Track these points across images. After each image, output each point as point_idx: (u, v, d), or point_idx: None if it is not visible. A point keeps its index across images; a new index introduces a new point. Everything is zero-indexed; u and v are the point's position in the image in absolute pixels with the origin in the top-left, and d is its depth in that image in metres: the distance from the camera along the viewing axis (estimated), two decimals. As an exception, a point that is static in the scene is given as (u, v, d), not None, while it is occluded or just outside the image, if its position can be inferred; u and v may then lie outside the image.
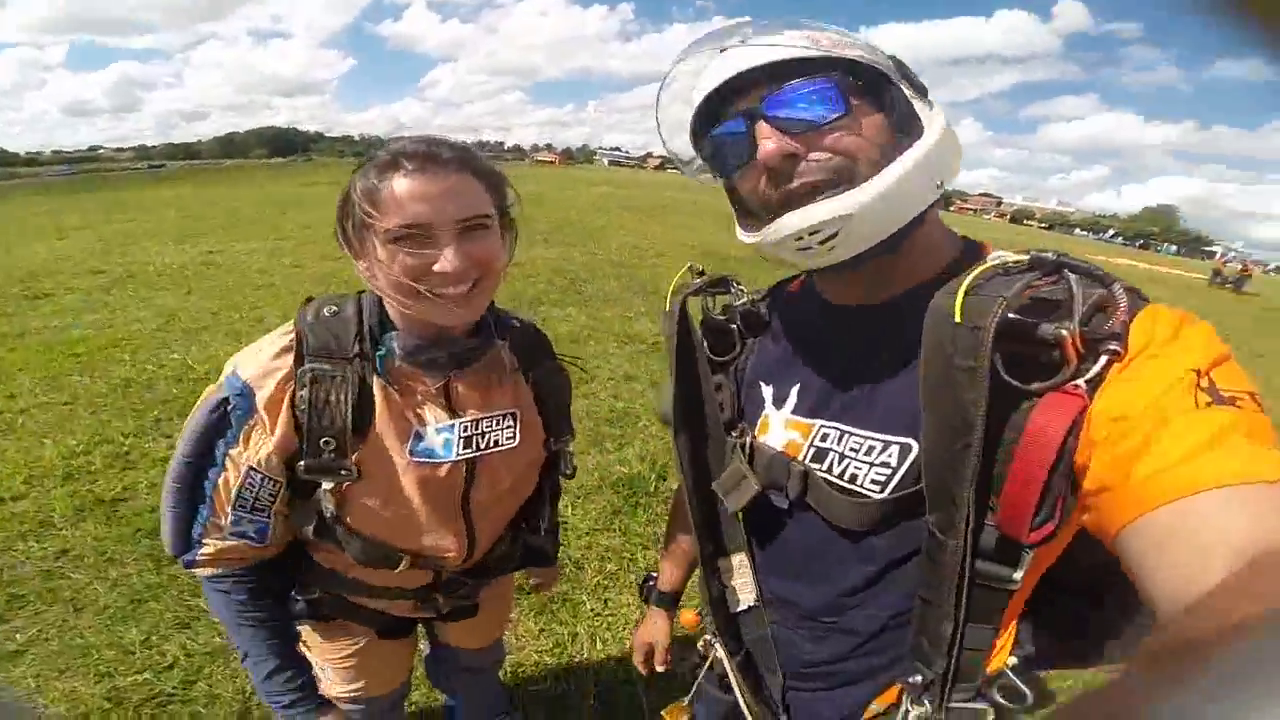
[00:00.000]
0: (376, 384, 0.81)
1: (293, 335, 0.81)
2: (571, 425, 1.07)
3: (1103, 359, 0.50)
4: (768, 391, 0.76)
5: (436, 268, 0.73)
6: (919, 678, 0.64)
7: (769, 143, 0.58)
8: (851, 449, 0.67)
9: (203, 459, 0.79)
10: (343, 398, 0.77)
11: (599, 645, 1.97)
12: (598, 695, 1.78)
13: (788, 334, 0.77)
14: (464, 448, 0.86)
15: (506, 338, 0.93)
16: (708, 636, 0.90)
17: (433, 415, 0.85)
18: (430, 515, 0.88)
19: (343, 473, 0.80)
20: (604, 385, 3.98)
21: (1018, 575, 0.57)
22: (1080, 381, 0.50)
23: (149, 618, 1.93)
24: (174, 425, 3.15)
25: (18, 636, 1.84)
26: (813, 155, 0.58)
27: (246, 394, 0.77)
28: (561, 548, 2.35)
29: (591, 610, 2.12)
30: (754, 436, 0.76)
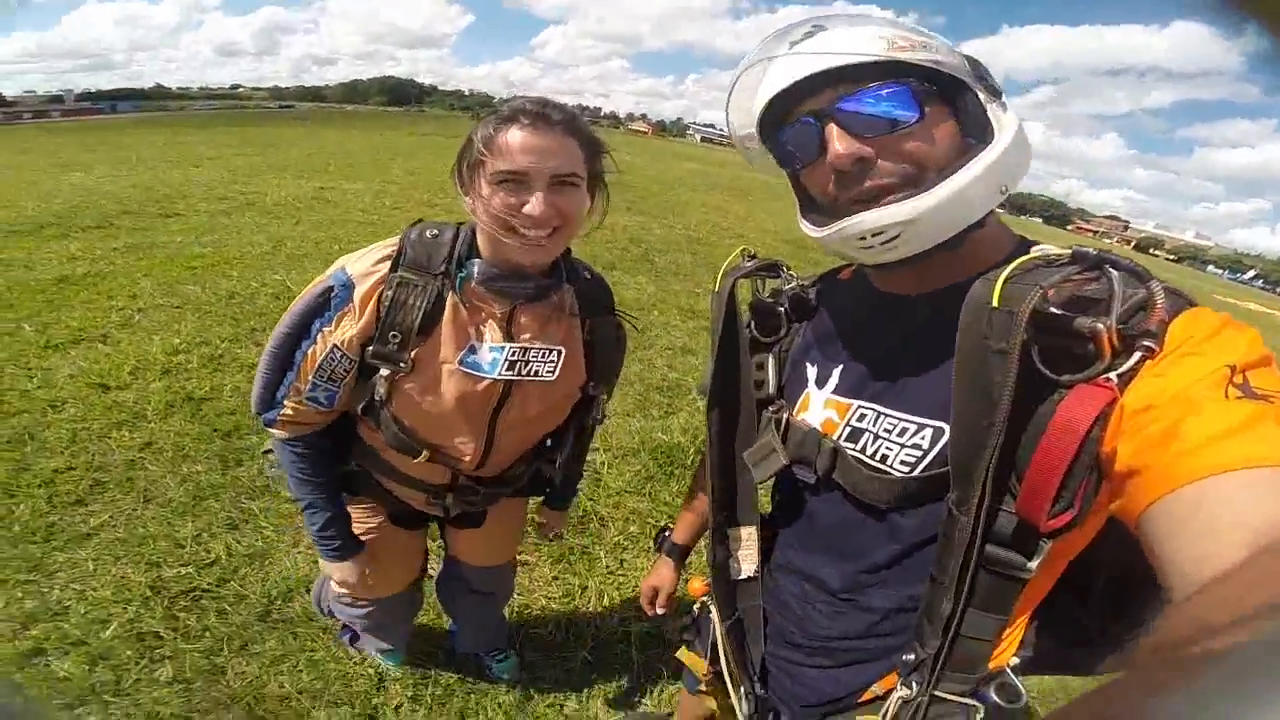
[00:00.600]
0: (450, 299, 0.93)
1: (395, 247, 0.95)
2: (612, 378, 1.14)
3: (1137, 354, 0.49)
4: (811, 371, 0.78)
5: (525, 209, 0.84)
6: (911, 656, 0.65)
7: (839, 145, 0.59)
8: (885, 430, 0.68)
9: (301, 332, 0.95)
10: (418, 303, 0.91)
11: (605, 601, 2.00)
12: (593, 649, 1.82)
13: (836, 318, 0.79)
14: (507, 370, 0.97)
15: (575, 285, 1.03)
16: (704, 599, 0.98)
17: (491, 336, 0.96)
18: (460, 419, 0.99)
19: (400, 364, 0.93)
20: (660, 354, 3.98)
21: (1032, 565, 0.57)
22: (1112, 375, 0.50)
23: (205, 515, 2.10)
24: (266, 335, 3.40)
25: (91, 520, 2.02)
26: (883, 160, 0.59)
27: (349, 286, 0.92)
28: (590, 503, 2.43)
29: (606, 567, 2.15)
30: (791, 414, 0.79)
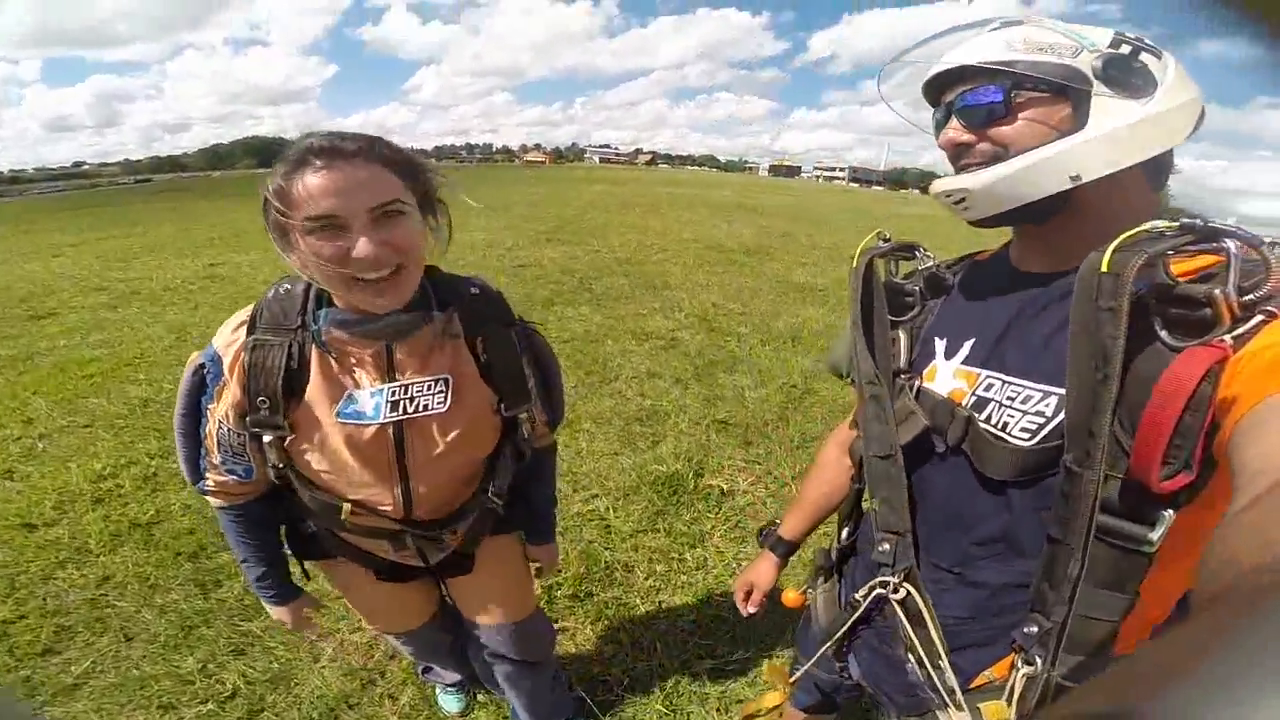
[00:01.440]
0: (315, 353, 0.90)
1: (250, 311, 0.92)
2: (529, 393, 1.05)
3: (1257, 318, 0.51)
4: (940, 345, 0.81)
5: (354, 254, 0.78)
6: (1034, 628, 0.64)
7: (949, 133, 0.72)
8: (1009, 397, 0.70)
9: (193, 412, 0.96)
10: (277, 364, 0.87)
11: (659, 649, 1.92)
12: (664, 699, 1.74)
13: (969, 294, 0.83)
14: (391, 411, 0.91)
15: (454, 304, 0.97)
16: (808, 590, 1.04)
17: (368, 380, 0.92)
18: (363, 472, 0.95)
19: (277, 428, 0.90)
20: (628, 384, 3.92)
21: (1154, 536, 0.56)
22: (1227, 337, 0.51)
23: (203, 645, 1.88)
24: (199, 443, 3.10)
25: (72, 669, 1.78)
26: (980, 145, 0.70)
27: (217, 360, 0.91)
28: (608, 553, 2.33)
29: (646, 613, 2.08)
30: (921, 382, 0.81)
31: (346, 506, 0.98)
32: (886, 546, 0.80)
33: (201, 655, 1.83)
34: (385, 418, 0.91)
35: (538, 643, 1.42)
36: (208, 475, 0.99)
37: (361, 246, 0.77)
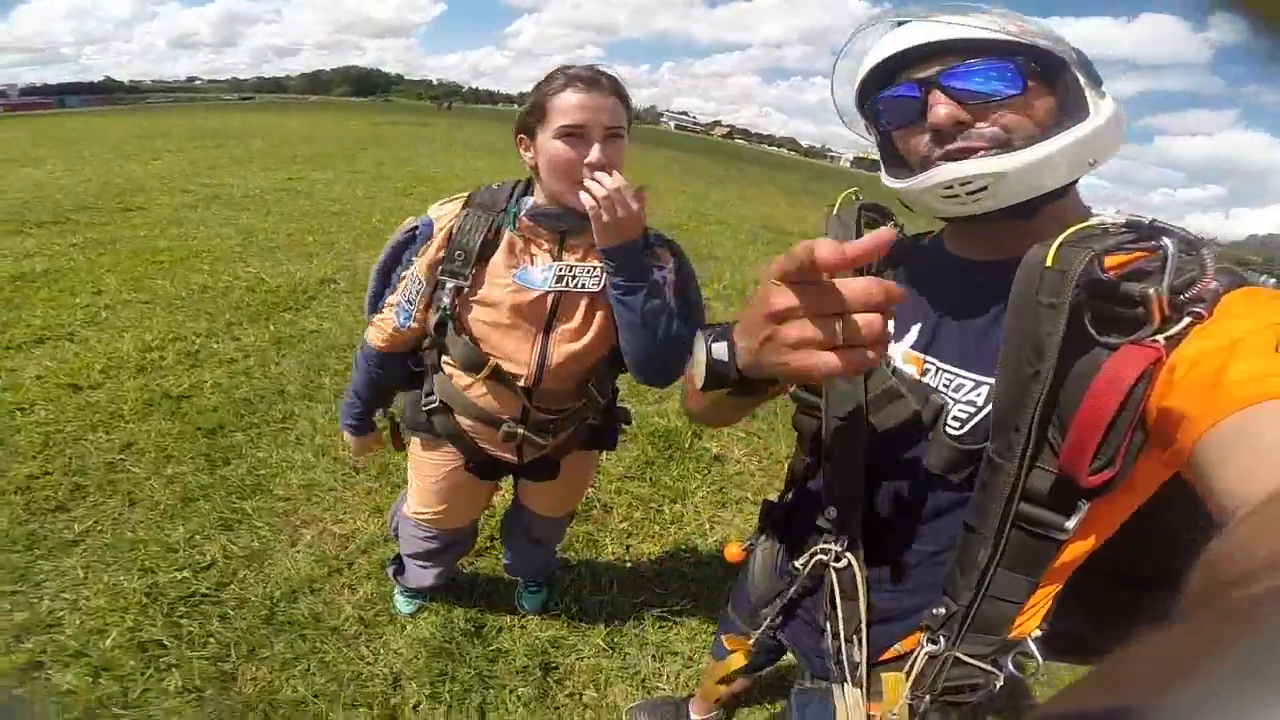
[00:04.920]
0: (507, 232, 1.12)
1: (466, 195, 1.17)
2: (680, 303, 1.18)
3: (1186, 319, 0.51)
4: (890, 324, 0.76)
5: (587, 159, 1.00)
6: (941, 610, 0.67)
7: (941, 109, 0.63)
8: (945, 384, 0.70)
9: (394, 261, 1.22)
10: (478, 232, 1.11)
11: (615, 588, 1.97)
12: (606, 635, 1.80)
13: (914, 277, 0.80)
14: (555, 283, 1.11)
15: None
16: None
17: (542, 259, 1.12)
18: (516, 328, 1.14)
19: (462, 277, 1.11)
20: (650, 342, 3.94)
21: (1069, 524, 0.58)
22: (1159, 338, 0.52)
23: (196, 517, 2.01)
24: (244, 330, 3.34)
25: (75, 526, 1.92)
26: (980, 125, 0.63)
27: (430, 224, 1.15)
28: (593, 490, 2.39)
29: (613, 554, 2.13)
30: (893, 361, 0.77)
31: (490, 363, 1.16)
32: (834, 512, 0.78)
33: (192, 526, 1.97)
34: (550, 287, 1.11)
35: (563, 529, 1.74)
36: (383, 309, 1.24)
37: (595, 153, 1.00)
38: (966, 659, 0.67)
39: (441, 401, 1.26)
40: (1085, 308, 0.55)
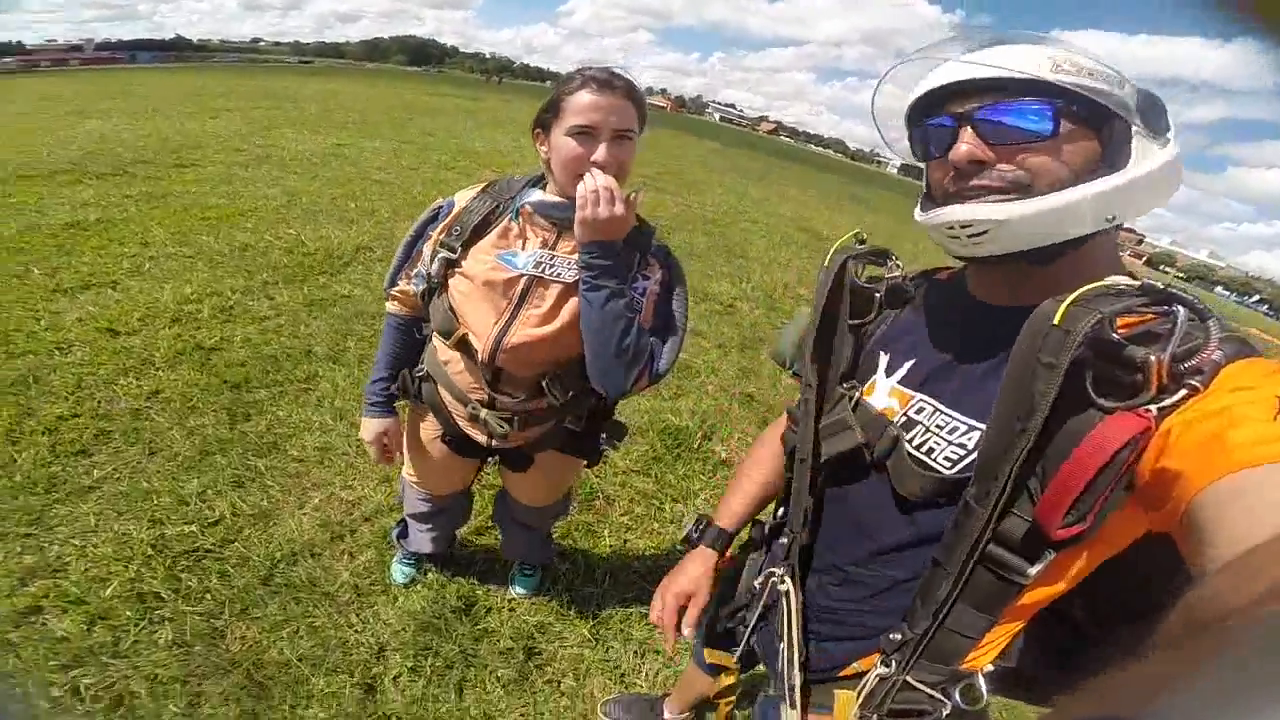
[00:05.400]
0: (507, 217, 1.18)
1: (487, 182, 1.26)
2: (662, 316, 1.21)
3: (1182, 391, 0.52)
4: (883, 359, 0.81)
5: (594, 157, 1.04)
6: (898, 635, 0.70)
7: (963, 146, 0.64)
8: (938, 425, 0.71)
9: (420, 235, 1.27)
10: (480, 211, 1.18)
11: (608, 580, 1.99)
12: (592, 626, 1.82)
13: (921, 314, 0.82)
14: (533, 268, 1.15)
15: None
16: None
17: (533, 245, 1.16)
18: (485, 301, 1.17)
19: (453, 250, 1.18)
20: (671, 336, 3.92)
21: (1031, 571, 0.60)
22: (1153, 407, 0.52)
23: (211, 471, 2.06)
24: (278, 289, 3.44)
25: (94, 472, 1.97)
26: (1003, 165, 0.63)
27: (451, 204, 1.23)
28: (598, 480, 2.40)
29: (610, 546, 2.14)
30: (861, 395, 0.81)
31: (459, 332, 1.20)
32: (784, 541, 0.84)
33: (206, 481, 2.01)
34: (527, 270, 1.15)
35: (555, 513, 1.76)
36: (400, 281, 1.31)
37: (601, 152, 1.04)
38: (915, 684, 0.69)
39: (427, 371, 1.33)
40: (1088, 366, 0.55)
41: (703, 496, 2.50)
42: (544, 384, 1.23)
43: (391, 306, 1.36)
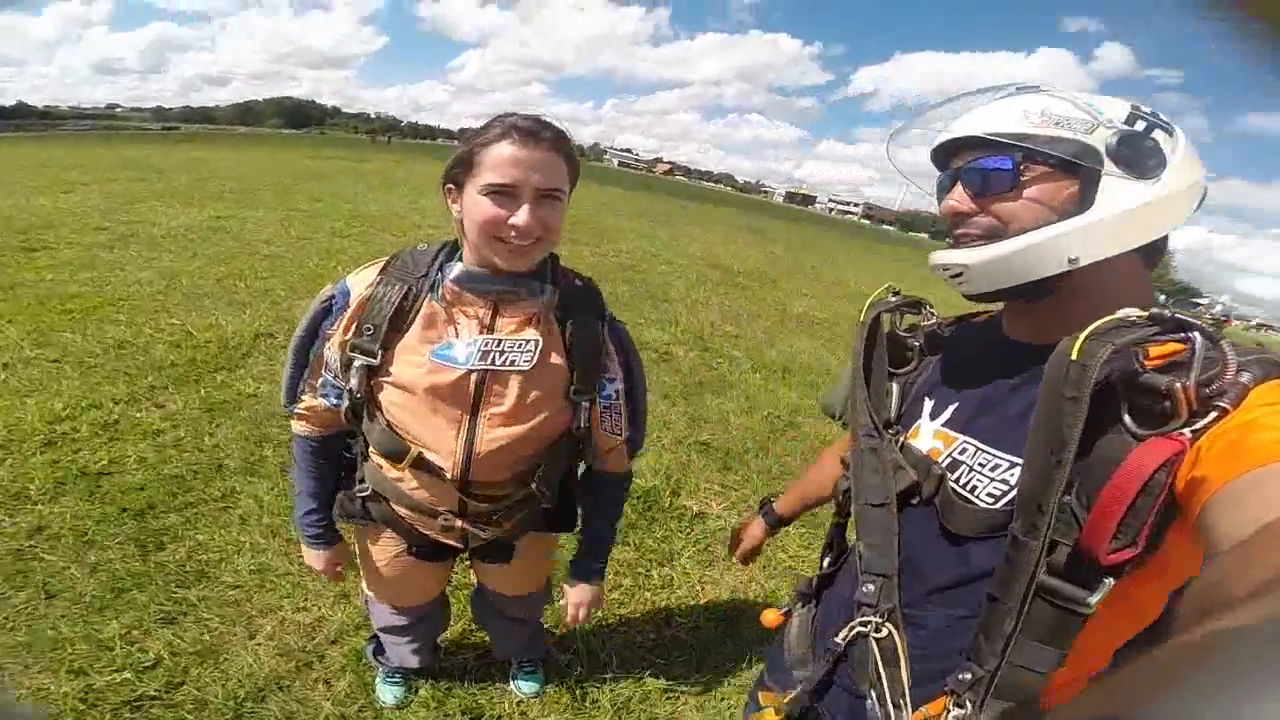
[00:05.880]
0: (427, 300, 1.00)
1: (385, 260, 1.05)
2: (626, 387, 1.15)
3: (1212, 414, 0.54)
4: (928, 405, 0.85)
5: (512, 220, 0.90)
6: (968, 675, 0.69)
7: (950, 200, 0.73)
8: (980, 464, 0.74)
9: (311, 336, 1.07)
10: (391, 299, 0.99)
11: (614, 663, 1.85)
12: (615, 715, 1.68)
13: (959, 355, 0.86)
14: (480, 359, 0.99)
15: (559, 288, 1.05)
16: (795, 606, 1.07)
17: (468, 332, 1.01)
18: (435, 413, 1.02)
19: (371, 354, 0.99)
20: (616, 390, 3.85)
21: (1092, 600, 0.60)
22: (1186, 430, 0.54)
23: (131, 610, 1.77)
24: (169, 394, 3.00)
25: None
26: (979, 216, 0.71)
27: (346, 293, 1.03)
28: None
29: (607, 626, 2.00)
30: (907, 438, 0.85)
31: (413, 452, 1.05)
32: (870, 588, 0.81)
33: (128, 620, 1.72)
34: (474, 365, 1.00)
35: (540, 603, 1.62)
36: (304, 397, 1.10)
37: (522, 215, 0.90)
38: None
39: (372, 490, 1.15)
40: (1122, 398, 0.58)
41: (686, 555, 2.42)
42: (532, 479, 1.12)
43: (299, 427, 1.14)
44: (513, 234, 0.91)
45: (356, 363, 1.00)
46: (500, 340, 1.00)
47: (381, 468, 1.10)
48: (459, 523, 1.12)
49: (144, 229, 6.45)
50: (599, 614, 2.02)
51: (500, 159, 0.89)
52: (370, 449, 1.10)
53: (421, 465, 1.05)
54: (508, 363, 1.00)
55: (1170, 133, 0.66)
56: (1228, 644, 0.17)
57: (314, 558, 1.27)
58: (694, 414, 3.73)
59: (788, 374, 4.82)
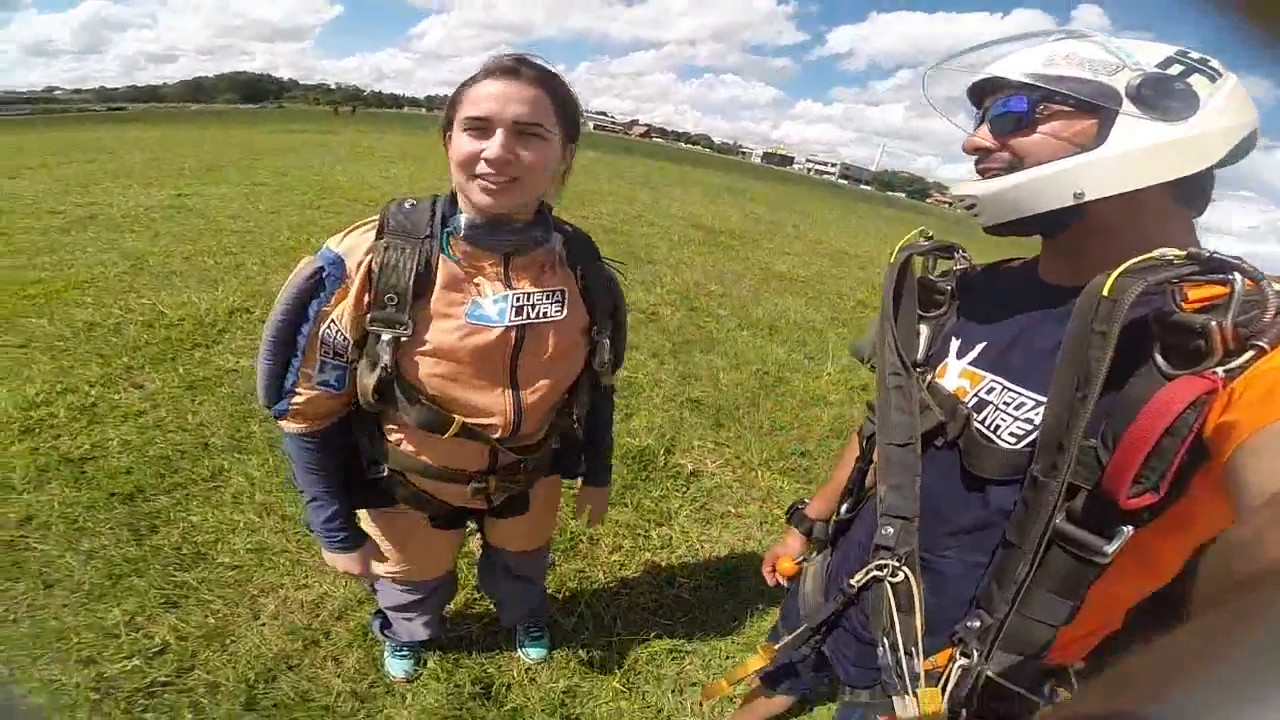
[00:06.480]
0: (442, 260, 0.94)
1: (377, 220, 0.95)
2: (612, 324, 1.14)
3: (1249, 353, 0.52)
4: (955, 344, 0.85)
5: (484, 153, 0.86)
6: (976, 623, 0.69)
7: (973, 137, 0.74)
8: (1005, 403, 0.73)
9: (297, 317, 0.93)
10: (408, 265, 0.91)
11: (618, 626, 1.87)
12: (623, 677, 1.70)
13: (991, 298, 0.85)
14: (515, 315, 0.97)
15: (563, 235, 1.05)
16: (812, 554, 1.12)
17: (491, 288, 0.97)
18: (480, 375, 0.99)
19: (399, 325, 0.92)
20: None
21: (1109, 548, 0.59)
22: (1219, 369, 0.53)
23: (131, 596, 1.73)
24: (146, 374, 2.91)
25: None
26: (997, 153, 0.72)
27: (338, 262, 0.91)
28: (575, 522, 2.25)
29: (607, 588, 2.02)
30: (934, 377, 0.85)
31: (456, 421, 0.99)
32: (890, 530, 0.80)
33: (130, 606, 1.69)
34: (510, 320, 0.96)
35: (545, 560, 1.61)
36: (297, 390, 0.98)
37: (492, 147, 0.85)
38: (1000, 676, 0.68)
39: (389, 469, 1.09)
40: (1155, 337, 0.57)
41: (684, 514, 2.44)
42: (567, 413, 1.15)
43: (294, 426, 1.01)
44: (486, 168, 0.86)
45: (385, 336, 0.92)
46: (530, 294, 0.98)
47: (401, 444, 1.06)
48: (491, 480, 1.11)
49: (102, 210, 6.17)
50: (601, 577, 2.06)
51: (478, 94, 0.87)
52: (390, 428, 1.05)
53: (463, 432, 1.01)
54: (541, 314, 0.99)
55: (1213, 78, 0.64)
56: (1254, 625, 0.16)
57: (344, 562, 1.18)
58: (684, 372, 3.73)
59: (774, 331, 4.82)
